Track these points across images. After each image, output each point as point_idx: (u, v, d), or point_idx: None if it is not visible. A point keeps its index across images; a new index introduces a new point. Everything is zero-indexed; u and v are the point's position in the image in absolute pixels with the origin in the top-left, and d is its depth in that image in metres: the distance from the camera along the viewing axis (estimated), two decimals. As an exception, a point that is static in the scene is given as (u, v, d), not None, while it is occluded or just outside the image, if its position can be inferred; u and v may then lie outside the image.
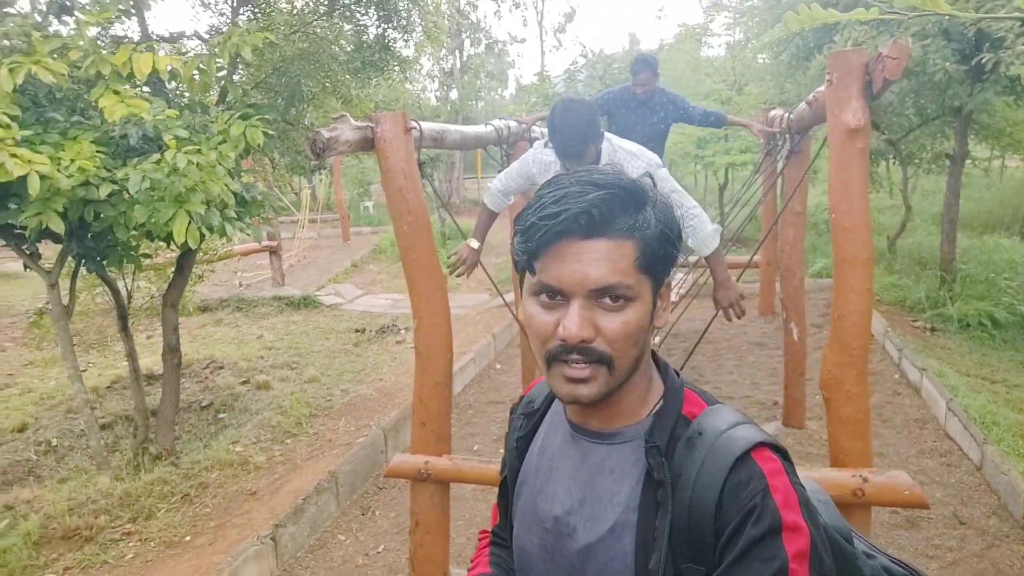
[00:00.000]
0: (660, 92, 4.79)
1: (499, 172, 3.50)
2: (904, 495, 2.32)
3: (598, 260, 0.80)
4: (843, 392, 2.46)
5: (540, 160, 3.17)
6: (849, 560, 0.97)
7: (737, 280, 3.09)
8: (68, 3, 3.73)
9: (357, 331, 7.78)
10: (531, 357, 4.37)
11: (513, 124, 4.29)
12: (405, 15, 4.89)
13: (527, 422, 1.06)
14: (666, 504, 0.83)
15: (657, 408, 0.91)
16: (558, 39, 34.33)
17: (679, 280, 5.86)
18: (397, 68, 5.11)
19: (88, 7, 3.70)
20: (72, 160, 3.11)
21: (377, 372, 6.33)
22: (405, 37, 4.92)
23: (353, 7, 4.80)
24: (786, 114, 4.11)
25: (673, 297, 5.48)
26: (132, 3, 4.05)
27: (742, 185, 6.67)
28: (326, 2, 4.78)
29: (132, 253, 3.85)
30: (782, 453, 0.85)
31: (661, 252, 0.84)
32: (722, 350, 6.37)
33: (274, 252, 9.96)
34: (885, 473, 2.38)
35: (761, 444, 0.83)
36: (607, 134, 2.86)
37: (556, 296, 0.83)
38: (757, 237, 9.35)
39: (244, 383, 5.96)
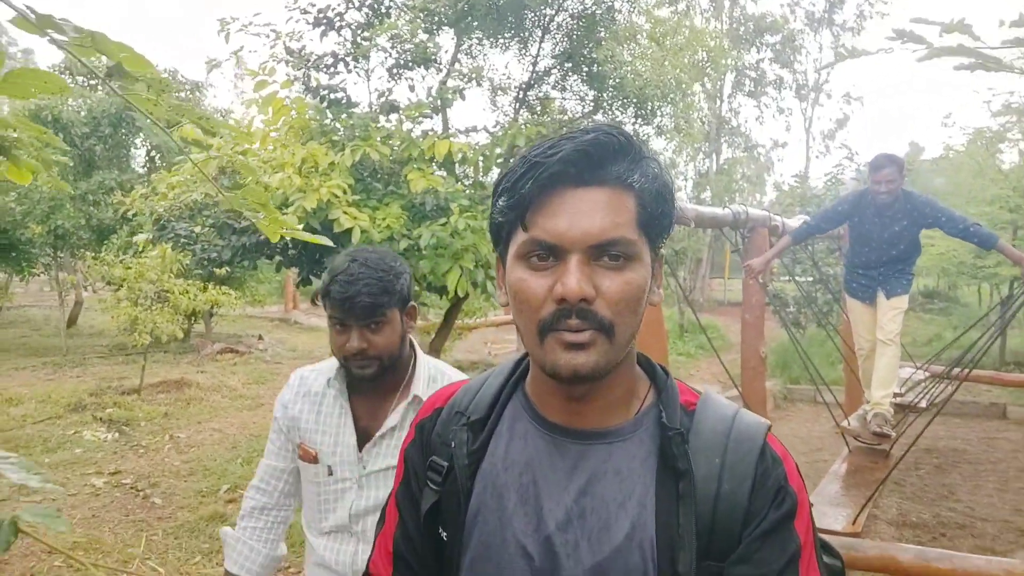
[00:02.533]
0: (905, 196, 4.10)
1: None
2: None
3: (597, 211, 0.73)
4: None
5: None
6: None
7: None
8: (395, 104, 4.83)
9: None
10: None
11: (753, 210, 4.52)
12: (659, 115, 5.43)
13: (473, 435, 0.86)
14: (689, 496, 0.76)
15: (657, 398, 0.84)
16: (826, 145, 33.09)
17: (922, 387, 5.40)
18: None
19: (407, 108, 4.75)
20: (384, 219, 3.99)
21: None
22: (656, 133, 5.46)
23: (615, 107, 5.46)
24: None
25: (924, 404, 5.10)
26: (438, 105, 5.07)
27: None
28: (592, 104, 5.50)
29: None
30: None
31: (659, 211, 0.77)
32: (984, 471, 5.68)
33: (522, 327, 10.89)
34: None
35: (769, 427, 0.82)
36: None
37: (549, 256, 0.75)
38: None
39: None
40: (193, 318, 10.58)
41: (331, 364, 1.63)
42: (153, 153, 11.52)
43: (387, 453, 1.55)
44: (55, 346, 10.55)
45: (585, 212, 0.73)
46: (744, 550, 0.75)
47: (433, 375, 1.61)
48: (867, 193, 4.19)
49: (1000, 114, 10.95)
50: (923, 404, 5.02)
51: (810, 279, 10.33)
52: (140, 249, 7.22)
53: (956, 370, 5.28)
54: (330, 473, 1.56)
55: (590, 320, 0.73)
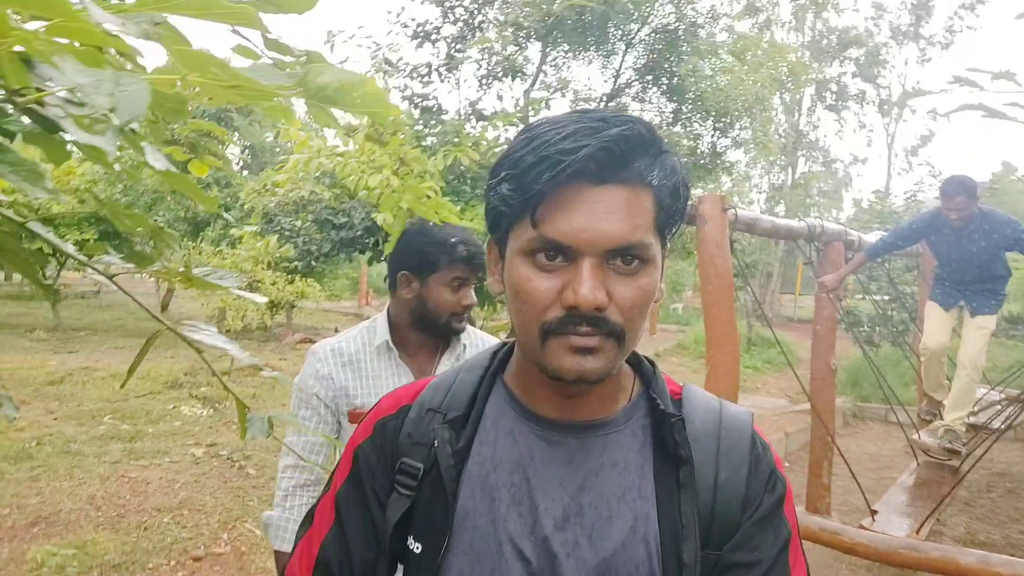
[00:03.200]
0: (982, 216, 4.03)
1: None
2: None
3: (615, 212, 0.68)
4: None
5: None
6: None
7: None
8: (483, 112, 5.12)
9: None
10: (819, 449, 4.44)
11: (829, 224, 4.57)
12: (738, 128, 5.55)
13: (455, 434, 0.80)
14: (690, 484, 0.75)
15: (644, 388, 0.83)
16: (909, 162, 32.02)
17: (997, 408, 5.30)
18: (724, 172, 5.77)
19: (493, 116, 5.03)
20: (471, 219, 4.27)
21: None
22: (734, 147, 5.58)
23: (694, 119, 5.61)
24: None
25: (998, 423, 5.03)
26: (521, 115, 5.34)
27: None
28: (671, 115, 5.66)
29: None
30: None
31: (675, 208, 0.73)
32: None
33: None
34: None
35: (753, 415, 0.83)
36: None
37: (558, 256, 0.70)
38: None
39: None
40: (275, 309, 11.20)
41: (358, 331, 1.73)
42: (246, 153, 12.23)
43: None
44: (149, 328, 11.18)
45: (603, 213, 0.68)
46: (741, 536, 0.75)
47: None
48: (940, 215, 4.12)
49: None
50: (996, 424, 4.96)
51: (886, 297, 10.15)
52: (236, 240, 7.76)
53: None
54: None
55: (601, 326, 0.69)
